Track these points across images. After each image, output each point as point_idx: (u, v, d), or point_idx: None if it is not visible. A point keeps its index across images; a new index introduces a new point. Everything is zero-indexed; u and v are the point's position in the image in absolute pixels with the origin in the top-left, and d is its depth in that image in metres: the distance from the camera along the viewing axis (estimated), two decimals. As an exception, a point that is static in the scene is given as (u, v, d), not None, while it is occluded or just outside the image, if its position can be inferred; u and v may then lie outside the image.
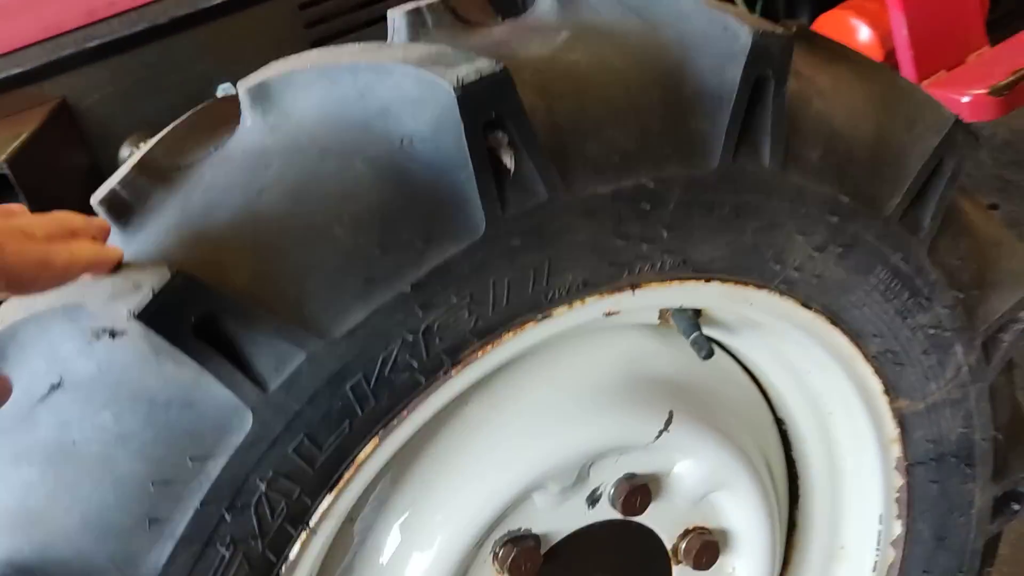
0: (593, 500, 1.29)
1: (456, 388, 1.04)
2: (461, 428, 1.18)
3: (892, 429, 1.39)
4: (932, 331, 1.30)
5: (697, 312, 1.24)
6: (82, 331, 0.86)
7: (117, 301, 0.81)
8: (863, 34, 2.06)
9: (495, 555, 1.23)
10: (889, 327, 1.28)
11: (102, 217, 0.91)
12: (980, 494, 1.49)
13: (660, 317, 1.24)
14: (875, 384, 1.34)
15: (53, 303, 0.86)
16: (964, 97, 1.92)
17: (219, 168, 0.93)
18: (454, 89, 0.85)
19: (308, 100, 0.93)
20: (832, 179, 1.12)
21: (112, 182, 0.91)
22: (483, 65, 0.86)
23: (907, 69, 1.96)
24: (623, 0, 1.04)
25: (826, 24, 2.04)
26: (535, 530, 1.25)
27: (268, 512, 0.94)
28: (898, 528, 1.48)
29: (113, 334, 0.84)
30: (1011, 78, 1.91)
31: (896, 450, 1.42)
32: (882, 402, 1.36)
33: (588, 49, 1.00)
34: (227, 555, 0.93)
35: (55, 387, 0.87)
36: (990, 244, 1.38)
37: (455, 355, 1.00)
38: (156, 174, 0.93)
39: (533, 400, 1.21)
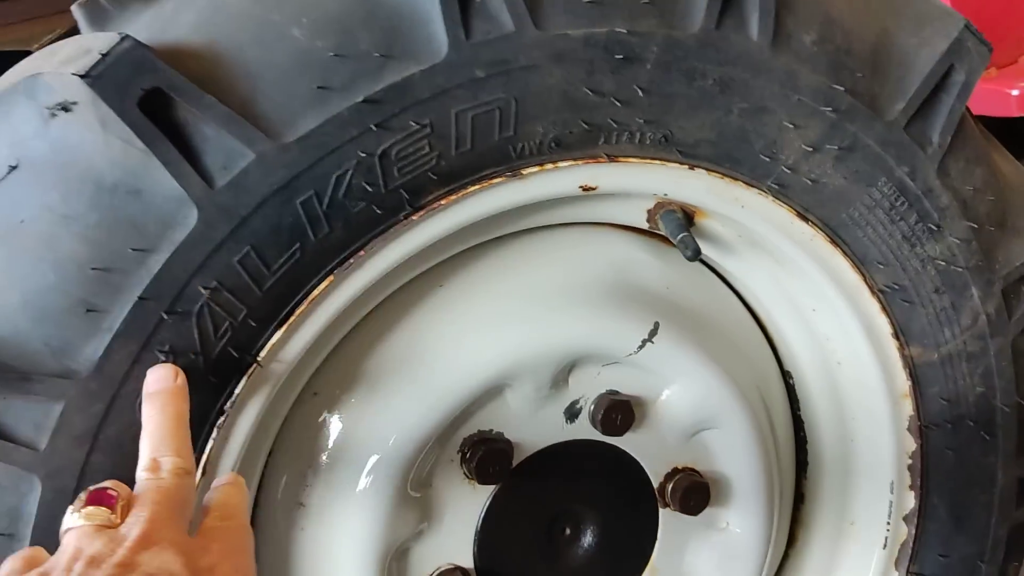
0: (572, 414, 1.23)
1: (419, 240, 1.02)
2: (433, 308, 1.15)
3: (903, 381, 1.30)
4: (944, 265, 1.22)
5: (688, 218, 1.19)
6: (39, 110, 0.87)
7: (68, 66, 0.82)
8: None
9: (463, 455, 1.17)
10: (896, 255, 1.21)
11: (78, 18, 0.93)
12: (1003, 471, 1.37)
13: (649, 221, 1.19)
14: (883, 324, 1.26)
15: (15, 77, 0.88)
16: (1014, 90, 1.86)
17: (197, -17, 0.95)
18: None
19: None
20: (828, 68, 1.08)
21: (93, -11, 0.94)
22: None
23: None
24: None
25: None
26: (508, 435, 1.19)
27: (211, 327, 0.92)
28: (911, 500, 1.36)
29: (66, 108, 0.85)
30: None
31: (908, 407, 1.32)
32: (892, 347, 1.28)
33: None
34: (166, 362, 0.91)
35: (12, 169, 0.88)
36: (1015, 190, 1.30)
37: (416, 197, 0.98)
38: (138, -12, 0.95)
39: (511, 289, 1.17)
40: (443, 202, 0.99)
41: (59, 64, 0.84)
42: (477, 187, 1.01)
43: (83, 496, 0.78)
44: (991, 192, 1.23)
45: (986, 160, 1.23)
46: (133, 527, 0.75)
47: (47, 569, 0.72)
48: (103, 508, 0.76)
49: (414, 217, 0.99)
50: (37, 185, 0.88)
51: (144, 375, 0.90)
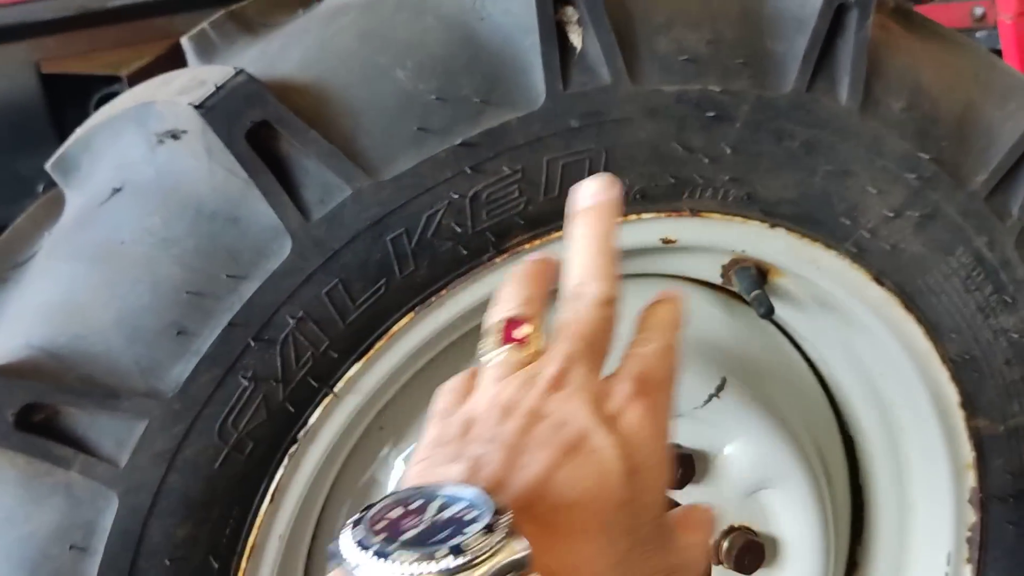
0: (633, 464, 1.21)
1: (500, 282, 1.01)
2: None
3: (968, 452, 1.27)
4: (1016, 337, 1.20)
5: (762, 275, 1.18)
6: (148, 137, 0.89)
7: (183, 96, 0.84)
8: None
9: (523, 498, 1.16)
10: (969, 324, 1.19)
11: (187, 50, 0.95)
12: (1066, 550, 1.32)
13: (723, 276, 1.18)
14: (951, 393, 1.23)
15: (128, 104, 0.90)
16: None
17: (302, 22, 0.97)
18: (530, -54, 0.86)
19: (395, -34, 0.97)
20: (914, 135, 1.07)
21: (203, 24, 0.96)
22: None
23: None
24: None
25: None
26: (568, 482, 1.18)
27: (293, 356, 0.93)
28: (968, 574, 1.32)
29: (175, 136, 0.87)
30: None
31: (971, 479, 1.28)
32: (958, 418, 1.25)
33: (672, -42, 1.01)
34: (248, 389, 0.91)
35: (116, 191, 0.90)
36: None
37: (502, 239, 0.98)
38: (244, 25, 0.97)
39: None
40: (527, 246, 0.99)
41: (174, 93, 0.85)
42: (560, 234, 1.00)
43: (499, 329, 0.67)
44: (1068, 267, 1.20)
45: (1064, 234, 1.21)
46: (547, 366, 0.63)
47: (470, 416, 0.62)
48: (517, 346, 0.65)
49: (498, 259, 0.99)
50: (140, 208, 0.89)
51: (225, 401, 0.90)
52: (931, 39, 1.18)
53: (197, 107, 0.82)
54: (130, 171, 0.90)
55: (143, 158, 0.89)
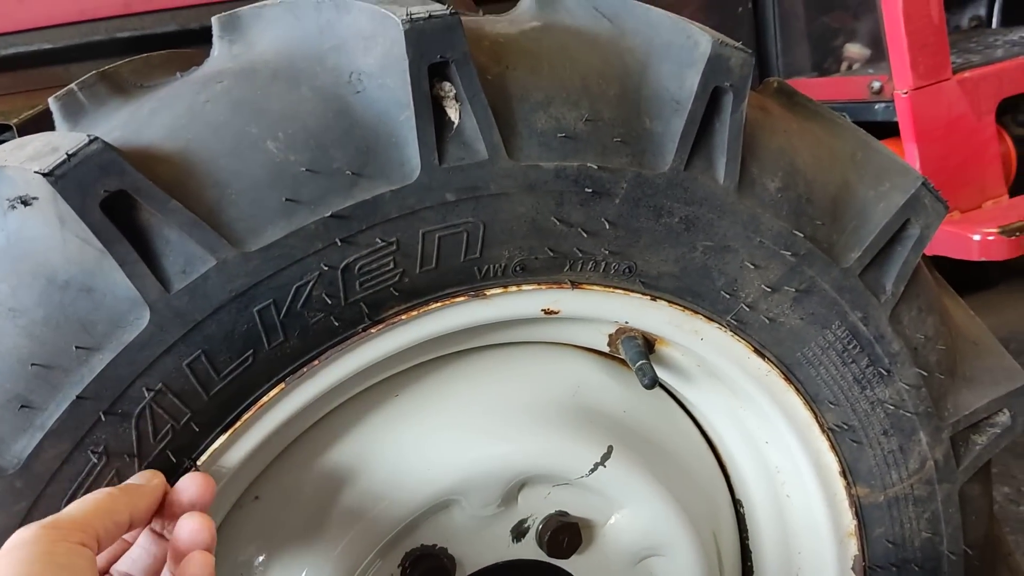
0: (519, 533, 1.16)
1: (376, 352, 0.97)
2: (387, 418, 1.10)
3: (849, 520, 1.25)
4: (893, 408, 1.19)
5: (649, 345, 1.16)
6: (0, 202, 0.83)
7: (33, 162, 0.78)
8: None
9: (403, 569, 1.10)
10: (847, 396, 1.18)
11: (54, 110, 0.89)
12: (948, 619, 1.31)
13: (610, 345, 1.16)
14: (832, 462, 1.21)
15: (-22, 166, 0.83)
16: (975, 235, 1.87)
17: (176, 86, 0.91)
18: (402, 22, 0.83)
19: (273, 32, 0.93)
20: (789, 214, 1.06)
21: (71, 85, 0.90)
22: (436, 8, 0.85)
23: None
24: (599, 5, 1.03)
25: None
26: (451, 551, 1.13)
27: (151, 430, 0.86)
28: (853, 640, 1.30)
29: (25, 202, 0.81)
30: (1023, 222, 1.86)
31: (853, 546, 1.26)
32: (839, 485, 1.23)
33: (553, 39, 0.99)
34: (98, 464, 0.84)
35: (-36, 256, 0.83)
36: (967, 340, 1.28)
37: (377, 310, 0.93)
38: (116, 86, 0.92)
39: (467, 404, 1.12)
40: (403, 317, 0.95)
41: (25, 159, 0.79)
42: (439, 304, 0.96)
43: None
44: (942, 341, 1.20)
45: (938, 309, 1.21)
46: None
47: None
48: None
49: (372, 330, 0.94)
50: (-13, 275, 0.82)
51: (73, 477, 0.83)
52: (811, 119, 1.18)
53: (46, 175, 0.76)
54: (-20, 236, 0.83)
55: (-6, 223, 0.83)
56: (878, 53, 2.54)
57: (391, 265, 0.91)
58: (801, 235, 1.06)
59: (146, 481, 0.85)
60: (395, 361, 1.04)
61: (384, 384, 1.09)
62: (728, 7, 2.41)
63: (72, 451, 0.83)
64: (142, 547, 0.87)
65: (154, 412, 0.85)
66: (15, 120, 1.27)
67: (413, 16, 0.83)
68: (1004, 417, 1.27)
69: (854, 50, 2.73)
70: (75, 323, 0.81)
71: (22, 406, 0.80)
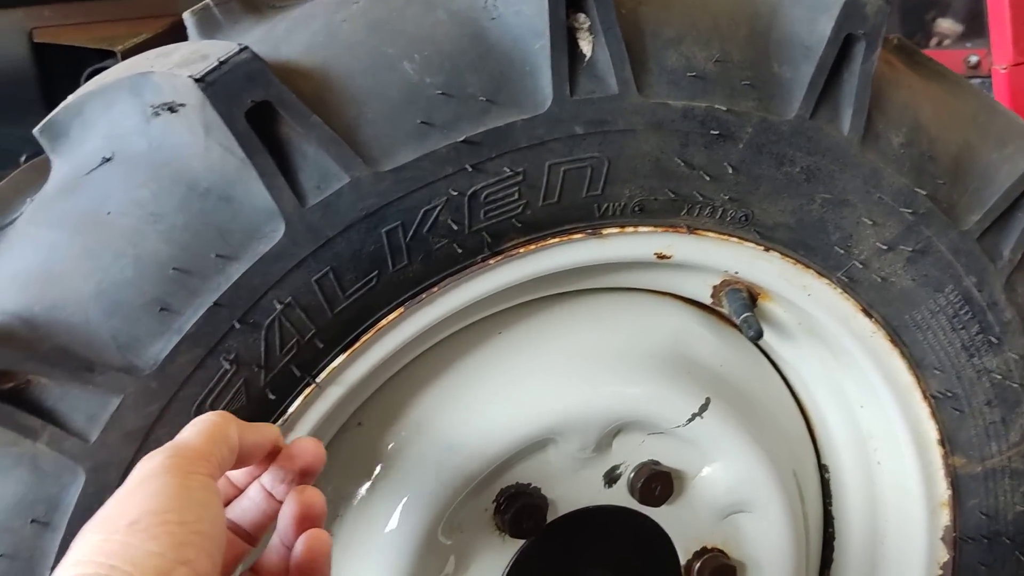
0: (611, 479, 1.17)
1: (492, 283, 0.98)
2: (490, 354, 1.11)
3: (943, 490, 1.24)
4: (999, 378, 1.17)
5: (752, 299, 1.15)
6: (143, 108, 0.85)
7: (183, 68, 0.80)
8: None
9: (497, 506, 1.12)
10: (953, 362, 1.16)
11: (189, 25, 0.91)
12: (1034, 596, 1.29)
13: (713, 297, 1.15)
14: (931, 430, 1.20)
15: (123, 73, 0.86)
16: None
17: (311, 6, 0.93)
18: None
19: (409, -41, 0.93)
20: (911, 171, 1.04)
21: (207, 1, 0.92)
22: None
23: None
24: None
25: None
26: (544, 492, 1.14)
27: (278, 342, 0.88)
28: (936, 612, 1.29)
29: (172, 108, 0.83)
30: None
31: (945, 517, 1.25)
32: (936, 454, 1.22)
33: (685, -23, 0.98)
34: (228, 371, 0.86)
35: (106, 160, 0.85)
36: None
37: (498, 241, 0.94)
38: (250, 5, 0.93)
39: (570, 345, 1.13)
40: (522, 250, 0.96)
41: (173, 65, 0.81)
42: (557, 240, 0.97)
43: None
44: (1055, 315, 1.18)
45: (1052, 283, 1.19)
46: None
47: None
48: None
49: (492, 261, 0.95)
50: (129, 180, 0.85)
51: (204, 382, 0.86)
52: (932, 78, 1.16)
53: (197, 80, 0.78)
54: (122, 141, 0.86)
55: (136, 129, 0.85)
56: (972, 28, 2.48)
57: (516, 196, 0.92)
58: (922, 193, 1.05)
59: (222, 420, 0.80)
60: (504, 297, 1.05)
61: (490, 320, 1.10)
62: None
63: (205, 357, 0.85)
64: (252, 499, 0.83)
65: (282, 325, 0.87)
66: (119, 47, 1.30)
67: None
68: (1112, 398, 1.25)
69: (945, 25, 2.66)
70: (214, 231, 0.83)
71: (161, 309, 0.83)
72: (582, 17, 0.89)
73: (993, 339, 1.14)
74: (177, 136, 0.83)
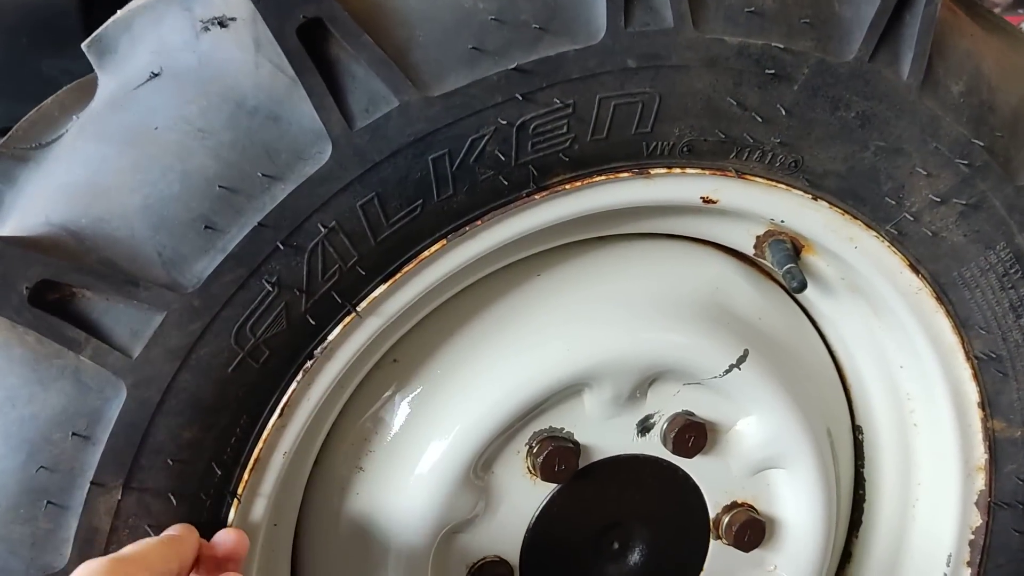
0: (645, 428, 1.17)
1: (537, 220, 0.98)
2: (528, 296, 1.11)
3: (981, 454, 1.23)
4: (1047, 342, 1.16)
5: (796, 251, 1.14)
6: (193, 22, 0.85)
7: (236, -20, 0.80)
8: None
9: (530, 448, 1.13)
10: (1000, 323, 1.15)
11: None
12: (1067, 565, 1.29)
13: (756, 248, 1.14)
14: (972, 392, 1.19)
15: (179, -14, 0.86)
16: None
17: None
18: None
19: None
20: (969, 121, 1.03)
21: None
22: None
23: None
24: None
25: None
26: (577, 437, 1.14)
27: (320, 267, 0.89)
28: (967, 577, 1.29)
29: (222, 23, 0.83)
30: None
31: (981, 481, 1.25)
32: (975, 417, 1.21)
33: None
34: (270, 294, 0.87)
35: (154, 75, 0.86)
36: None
37: (544, 175, 0.94)
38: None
39: (608, 291, 1.13)
40: (567, 186, 0.95)
41: (227, -22, 0.81)
42: (603, 178, 0.96)
43: None
44: (1106, 280, 1.16)
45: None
46: None
47: None
48: None
49: (537, 196, 0.95)
50: (177, 95, 0.85)
51: (246, 304, 0.86)
52: (993, 31, 1.14)
53: (250, -6, 0.78)
54: (170, 56, 0.86)
55: (185, 44, 0.85)
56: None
57: (564, 129, 0.91)
58: (980, 145, 1.03)
59: (185, 534, 0.88)
60: (545, 237, 1.05)
61: (529, 261, 1.10)
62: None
63: (248, 277, 0.86)
64: None
65: (325, 250, 0.88)
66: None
67: None
68: None
69: None
70: (261, 150, 0.84)
71: (206, 226, 0.83)
72: (641, -54, 0.88)
73: (1042, 300, 1.13)
74: (226, 52, 0.84)
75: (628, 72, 0.91)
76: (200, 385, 0.87)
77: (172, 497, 0.88)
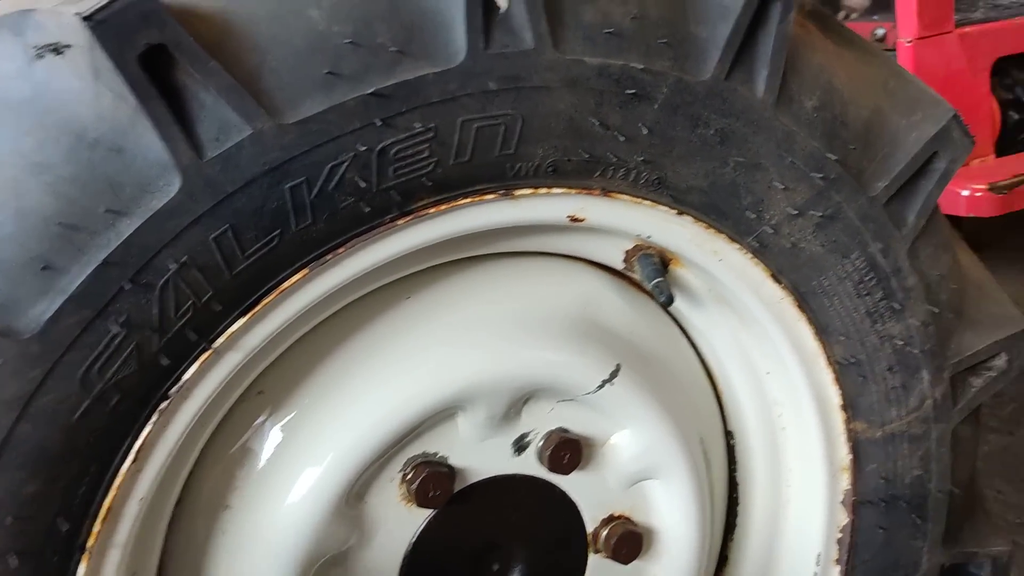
0: (520, 447, 1.21)
1: (401, 245, 0.99)
2: (396, 320, 1.12)
3: (844, 455, 1.32)
4: (901, 344, 1.25)
5: (664, 264, 1.20)
6: (26, 49, 0.82)
7: (70, 5, 0.78)
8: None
9: (404, 476, 1.14)
10: (857, 328, 1.24)
11: None
12: (928, 557, 1.40)
13: (625, 262, 1.19)
14: (834, 395, 1.28)
15: (5, 10, 0.83)
16: (964, 191, 1.95)
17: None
18: None
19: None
20: (823, 135, 1.10)
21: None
22: None
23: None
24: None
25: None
26: (452, 461, 1.16)
27: (173, 304, 0.88)
28: (835, 574, 1.38)
29: (57, 50, 0.80)
30: (1012, 180, 1.95)
31: (845, 480, 1.34)
32: (838, 420, 1.30)
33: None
34: (119, 335, 0.85)
35: (-17, 106, 0.83)
36: (974, 283, 1.35)
37: (407, 200, 0.95)
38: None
39: (479, 311, 1.15)
40: (432, 210, 0.97)
41: (59, 2, 0.79)
42: (468, 200, 0.99)
43: None
44: (954, 280, 1.27)
45: (951, 249, 1.28)
46: None
47: None
48: None
49: (400, 221, 0.96)
50: (10, 127, 0.82)
51: (91, 347, 0.85)
52: (845, 45, 1.22)
53: (86, 18, 0.76)
54: (2, 85, 0.83)
55: (18, 72, 0.82)
56: (878, 2, 2.60)
57: (426, 153, 0.93)
58: (833, 158, 1.11)
59: None
60: (412, 260, 1.06)
61: (397, 284, 1.11)
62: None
63: (94, 319, 0.84)
64: None
65: (177, 286, 0.87)
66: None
67: None
68: (1001, 361, 1.35)
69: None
70: (104, 184, 0.82)
71: (44, 267, 0.81)
72: (498, -32, 0.90)
73: (896, 305, 1.22)
74: (63, 80, 0.81)
75: (489, 94, 0.93)
76: (43, 435, 0.85)
77: (14, 558, 0.85)
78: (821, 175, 1.11)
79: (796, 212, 1.13)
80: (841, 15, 2.86)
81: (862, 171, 1.14)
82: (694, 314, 1.31)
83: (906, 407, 1.30)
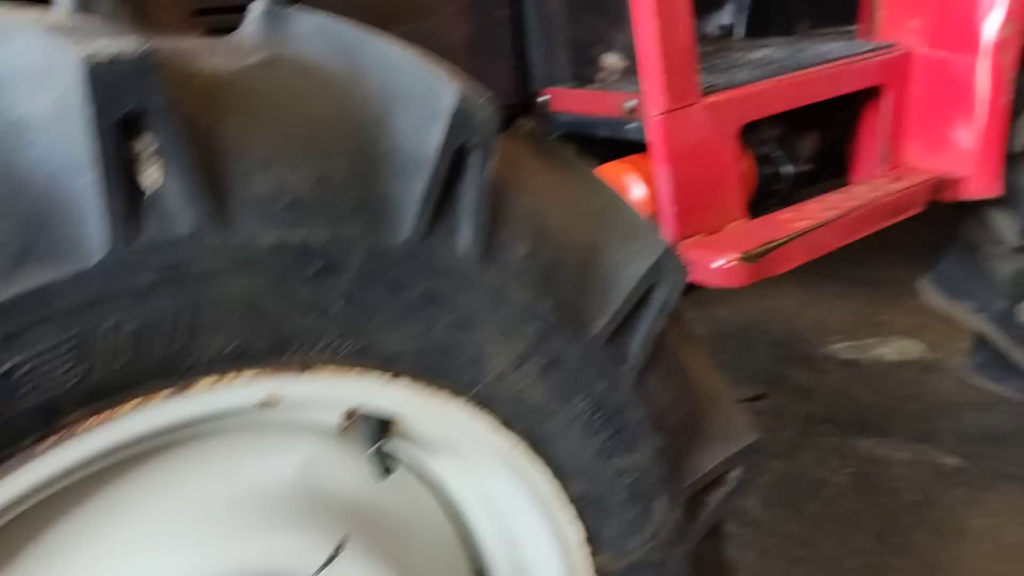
0: (238, 643, 1.07)
1: (56, 466, 0.84)
2: (70, 532, 0.96)
3: (593, 589, 1.29)
4: (636, 477, 1.23)
5: (385, 423, 1.11)
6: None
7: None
8: (636, 190, 2.11)
9: None
10: (591, 467, 1.20)
11: None
12: None
13: (346, 427, 1.09)
14: (575, 532, 1.24)
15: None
16: (715, 262, 1.97)
17: None
18: (83, 61, 0.71)
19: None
20: (536, 283, 1.06)
21: None
22: (129, 44, 0.74)
23: (668, 226, 2.02)
24: (335, 40, 0.96)
25: (604, 175, 2.06)
26: None
27: None
28: None
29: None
30: (763, 247, 1.99)
31: (597, 615, 1.30)
32: (583, 554, 1.26)
33: (279, 78, 0.91)
34: None
35: None
36: (706, 395, 1.36)
37: (52, 418, 0.81)
38: None
39: (170, 506, 1.01)
40: (86, 423, 0.83)
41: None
42: (136, 402, 0.85)
43: None
44: (684, 403, 1.27)
45: (681, 371, 1.28)
46: None
47: None
48: None
49: (47, 442, 0.81)
50: None
51: None
52: (560, 169, 1.19)
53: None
54: None
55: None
56: (635, 65, 2.60)
57: (71, 363, 0.79)
58: (549, 304, 1.06)
59: None
60: (90, 464, 0.91)
61: (67, 492, 0.95)
62: (486, 11, 2.36)
63: None
64: None
65: None
66: None
67: (98, 53, 0.72)
68: (736, 473, 1.37)
69: (611, 60, 2.74)
70: None
71: None
72: (143, 141, 0.78)
73: (626, 440, 1.20)
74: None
75: (147, 288, 0.81)
76: None
77: None
78: (538, 323, 1.06)
79: (518, 362, 1.08)
80: (600, 75, 2.85)
81: (580, 312, 1.11)
82: (431, 462, 1.23)
83: (645, 534, 1.28)
